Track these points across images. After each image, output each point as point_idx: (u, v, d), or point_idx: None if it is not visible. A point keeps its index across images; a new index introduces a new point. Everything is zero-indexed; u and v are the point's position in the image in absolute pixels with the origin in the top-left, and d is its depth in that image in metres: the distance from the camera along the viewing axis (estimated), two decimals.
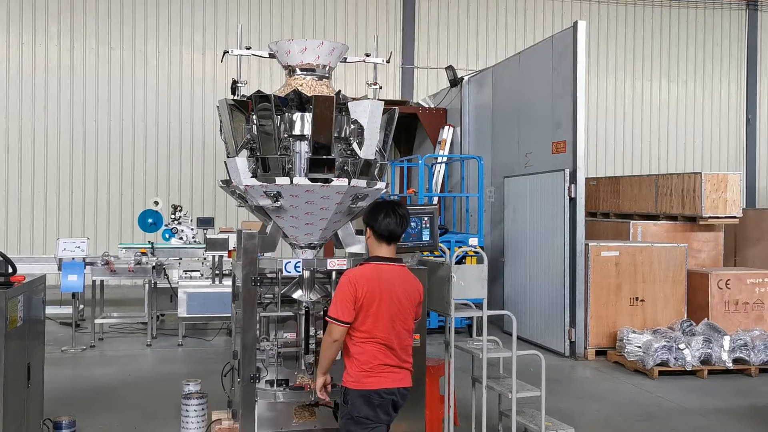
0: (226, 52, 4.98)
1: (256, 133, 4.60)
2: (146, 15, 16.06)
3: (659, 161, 18.42)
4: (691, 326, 8.80)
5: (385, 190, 4.91)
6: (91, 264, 9.62)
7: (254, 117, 4.61)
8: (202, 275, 9.87)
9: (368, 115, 4.59)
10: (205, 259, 10.31)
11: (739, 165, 18.23)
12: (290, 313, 4.95)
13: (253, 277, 4.58)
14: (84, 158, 15.78)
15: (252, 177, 4.60)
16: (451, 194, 12.36)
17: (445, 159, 12.70)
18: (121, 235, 15.62)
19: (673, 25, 18.50)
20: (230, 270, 10.09)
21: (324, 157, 4.48)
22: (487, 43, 17.54)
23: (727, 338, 8.28)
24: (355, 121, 4.64)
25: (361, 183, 4.62)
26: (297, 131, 4.58)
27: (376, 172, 4.76)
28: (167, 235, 11.36)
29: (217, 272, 9.52)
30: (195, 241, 11.32)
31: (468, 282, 5.09)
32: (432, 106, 14.03)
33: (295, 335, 4.96)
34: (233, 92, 4.82)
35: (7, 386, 4.33)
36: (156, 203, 11.66)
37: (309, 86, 4.74)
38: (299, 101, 4.58)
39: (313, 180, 4.48)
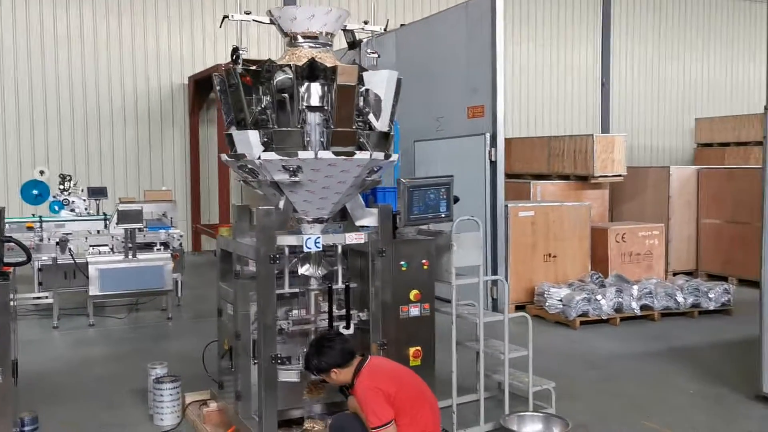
0: (225, 17, 4.65)
1: (268, 104, 4.37)
2: None
3: (520, 124, 19.19)
4: (600, 278, 9.53)
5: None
6: None
7: (266, 87, 4.37)
8: (113, 249, 9.24)
9: (385, 86, 4.51)
10: (106, 230, 9.62)
11: (596, 127, 19.60)
12: (299, 290, 4.83)
13: (272, 255, 4.40)
14: None
15: (265, 150, 4.37)
16: None
17: None
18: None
19: None
20: (145, 243, 9.58)
21: (347, 129, 4.36)
22: (388, 4, 17.10)
23: (635, 287, 9.06)
24: (369, 91, 4.55)
25: (380, 155, 4.55)
26: (314, 102, 4.41)
27: (390, 144, 4.71)
28: (56, 207, 10.46)
29: (130, 246, 8.95)
30: (88, 213, 10.53)
31: (466, 249, 5.22)
32: None
33: (304, 311, 4.84)
34: (234, 60, 4.53)
35: None
36: (41, 173, 10.70)
37: (314, 56, 4.56)
38: (312, 71, 4.41)
39: (336, 153, 4.34)
